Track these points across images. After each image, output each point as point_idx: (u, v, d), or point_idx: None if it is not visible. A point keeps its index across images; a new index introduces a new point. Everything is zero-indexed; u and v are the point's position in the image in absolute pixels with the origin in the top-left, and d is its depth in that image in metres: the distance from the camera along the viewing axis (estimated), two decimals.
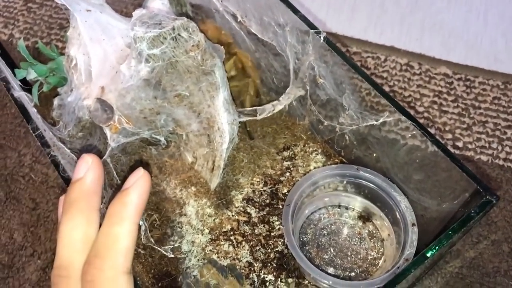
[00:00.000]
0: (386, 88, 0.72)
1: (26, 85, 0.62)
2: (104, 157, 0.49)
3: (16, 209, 0.63)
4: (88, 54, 0.55)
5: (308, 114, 0.54)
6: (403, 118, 0.41)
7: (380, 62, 0.74)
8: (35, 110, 0.50)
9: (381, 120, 0.42)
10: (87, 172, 0.36)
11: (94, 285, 0.33)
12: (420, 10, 0.80)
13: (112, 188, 0.49)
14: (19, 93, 0.43)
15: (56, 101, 0.58)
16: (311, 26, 0.44)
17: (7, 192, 0.64)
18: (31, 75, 0.58)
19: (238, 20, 0.55)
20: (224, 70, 0.51)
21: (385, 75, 0.73)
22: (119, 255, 0.34)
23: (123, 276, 0.33)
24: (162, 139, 0.54)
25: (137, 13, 0.49)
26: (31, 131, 0.48)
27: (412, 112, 0.69)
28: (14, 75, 0.60)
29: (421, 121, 0.69)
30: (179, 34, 0.48)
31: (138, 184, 0.36)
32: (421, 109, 0.70)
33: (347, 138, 0.50)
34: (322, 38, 0.43)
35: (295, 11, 0.45)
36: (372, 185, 0.48)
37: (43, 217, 0.62)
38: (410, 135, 0.43)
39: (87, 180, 0.36)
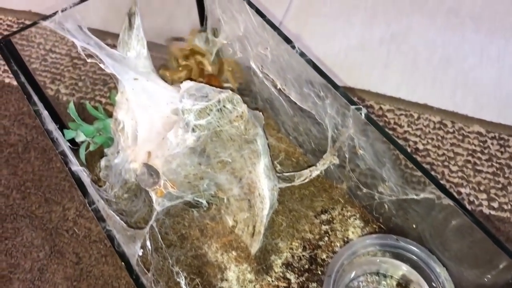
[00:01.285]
0: (420, 146, 0.73)
1: (73, 143, 0.66)
2: (150, 222, 0.52)
3: (60, 263, 0.65)
4: (135, 119, 0.58)
5: (346, 179, 0.55)
6: (443, 195, 0.42)
7: (413, 120, 0.75)
8: (91, 182, 0.53)
9: (421, 196, 0.44)
10: None
11: None
12: (452, 68, 0.81)
13: (158, 251, 0.51)
14: (76, 168, 0.45)
15: (103, 162, 0.61)
16: (352, 102, 0.46)
17: (52, 246, 0.67)
18: (80, 137, 0.61)
19: (278, 87, 0.57)
20: (265, 138, 0.53)
21: (418, 133, 0.74)
22: None
23: None
24: (204, 201, 0.56)
25: (185, 85, 0.52)
26: (85, 200, 0.50)
27: (446, 171, 0.70)
28: (63, 134, 0.64)
29: (455, 180, 0.69)
30: (224, 106, 0.50)
31: None
32: (455, 168, 0.70)
33: (386, 206, 0.51)
34: (363, 114, 0.45)
35: (335, 86, 0.47)
36: (411, 255, 0.49)
37: (86, 272, 0.64)
38: (450, 209, 0.43)
39: None
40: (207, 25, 0.64)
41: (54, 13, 0.54)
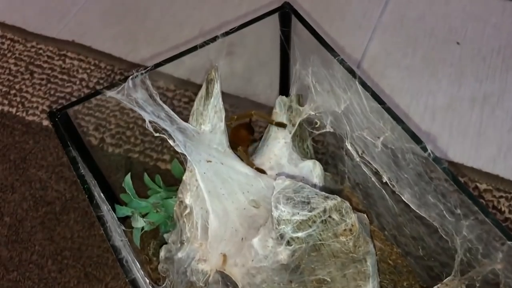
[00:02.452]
0: None
1: (124, 219, 0.56)
2: None
3: None
4: (206, 208, 0.48)
5: None
6: None
7: None
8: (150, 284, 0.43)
9: None
10: None
11: None
12: None
13: None
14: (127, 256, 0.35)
15: (162, 252, 0.51)
16: (510, 237, 0.35)
17: None
18: (138, 223, 0.51)
19: (384, 180, 0.47)
20: (375, 258, 0.42)
21: None
22: None
23: None
24: None
25: (279, 183, 0.41)
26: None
27: None
28: (114, 210, 0.54)
29: None
30: (329, 216, 0.40)
31: None
32: None
33: None
34: None
35: (487, 214, 0.36)
36: None
37: None
38: None
39: None
40: (292, 92, 0.54)
41: (121, 80, 0.44)
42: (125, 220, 0.56)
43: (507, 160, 0.68)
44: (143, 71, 0.44)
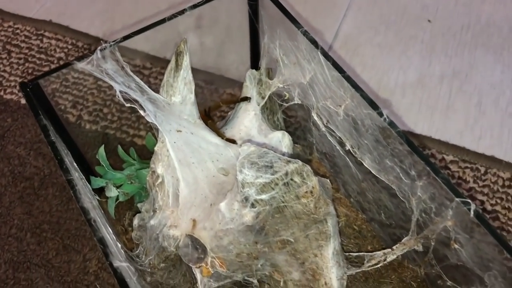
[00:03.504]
0: (488, 207, 0.64)
1: (100, 191, 0.57)
2: None
3: None
4: (176, 177, 0.49)
5: (424, 265, 0.47)
6: None
7: (479, 175, 0.67)
8: (125, 251, 0.45)
9: None
10: None
11: None
12: None
13: None
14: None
15: (136, 221, 0.53)
16: (458, 194, 0.37)
17: None
18: (112, 192, 0.53)
19: (346, 148, 0.49)
20: (336, 218, 0.44)
21: (485, 190, 0.66)
22: None
23: None
24: (255, 281, 0.48)
25: (245, 149, 0.43)
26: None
27: None
28: (89, 182, 0.56)
29: None
30: (291, 179, 0.42)
31: None
32: None
33: None
34: (472, 212, 0.37)
35: (437, 172, 0.38)
36: None
37: None
38: None
39: None
40: (261, 66, 0.55)
41: (90, 51, 0.45)
42: (100, 192, 0.58)
43: (473, 133, 0.71)
44: (112, 43, 0.45)
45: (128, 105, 0.48)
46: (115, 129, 0.71)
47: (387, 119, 0.41)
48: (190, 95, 0.50)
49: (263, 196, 0.42)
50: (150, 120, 0.48)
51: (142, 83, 0.48)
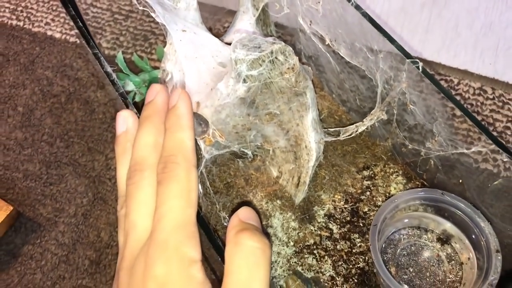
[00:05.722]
0: (458, 112, 0.73)
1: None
2: (200, 168, 0.53)
3: (103, 209, 0.67)
4: (183, 70, 0.59)
5: (391, 136, 0.56)
6: (496, 148, 0.43)
7: (453, 85, 0.75)
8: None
9: (473, 150, 0.44)
10: (157, 95, 0.45)
11: (171, 175, 0.38)
12: (494, 34, 0.80)
13: (207, 196, 0.53)
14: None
15: None
16: (408, 55, 0.46)
17: (95, 193, 0.69)
18: (129, 87, 0.62)
19: (326, 43, 0.58)
20: (314, 92, 0.53)
21: (458, 98, 0.74)
22: (189, 151, 0.40)
23: (194, 169, 0.40)
24: (249, 152, 0.57)
25: (237, 36, 0.52)
26: None
27: (483, 137, 0.70)
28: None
29: (492, 146, 0.70)
30: (276, 57, 0.51)
31: (183, 99, 0.44)
32: (493, 134, 0.70)
33: (431, 162, 0.52)
34: (420, 68, 0.45)
35: (391, 40, 0.47)
36: (455, 209, 0.50)
37: None
38: (501, 165, 0.44)
39: (157, 101, 0.44)
40: None
41: None
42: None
43: (449, 52, 0.79)
44: None
45: (142, 8, 0.57)
46: (131, 54, 0.81)
47: (353, 3, 0.49)
48: (193, 2, 0.59)
49: (253, 72, 0.51)
50: (159, 21, 0.57)
51: None
